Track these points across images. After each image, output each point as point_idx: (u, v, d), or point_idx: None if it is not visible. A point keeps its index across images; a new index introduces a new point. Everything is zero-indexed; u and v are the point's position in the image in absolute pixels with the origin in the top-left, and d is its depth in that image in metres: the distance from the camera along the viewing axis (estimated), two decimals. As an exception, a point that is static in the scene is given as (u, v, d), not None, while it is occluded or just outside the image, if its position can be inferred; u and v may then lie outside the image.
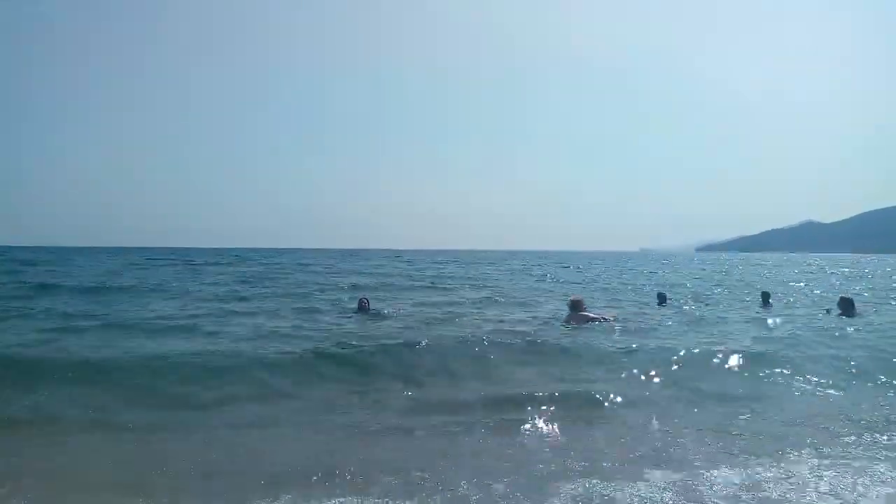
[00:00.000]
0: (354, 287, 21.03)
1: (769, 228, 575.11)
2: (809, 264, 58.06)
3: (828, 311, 13.77)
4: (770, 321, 12.21)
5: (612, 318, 11.71)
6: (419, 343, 8.61)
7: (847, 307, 13.35)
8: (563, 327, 11.35)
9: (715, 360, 8.04)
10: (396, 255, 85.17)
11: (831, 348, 8.99)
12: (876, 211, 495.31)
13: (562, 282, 27.88)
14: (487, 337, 9.32)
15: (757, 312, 14.57)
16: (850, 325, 11.32)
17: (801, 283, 26.79)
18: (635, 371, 7.55)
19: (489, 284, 24.89)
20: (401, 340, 8.96)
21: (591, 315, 11.59)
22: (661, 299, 16.87)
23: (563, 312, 12.42)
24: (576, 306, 11.75)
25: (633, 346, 8.99)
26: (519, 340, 9.42)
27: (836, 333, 10.42)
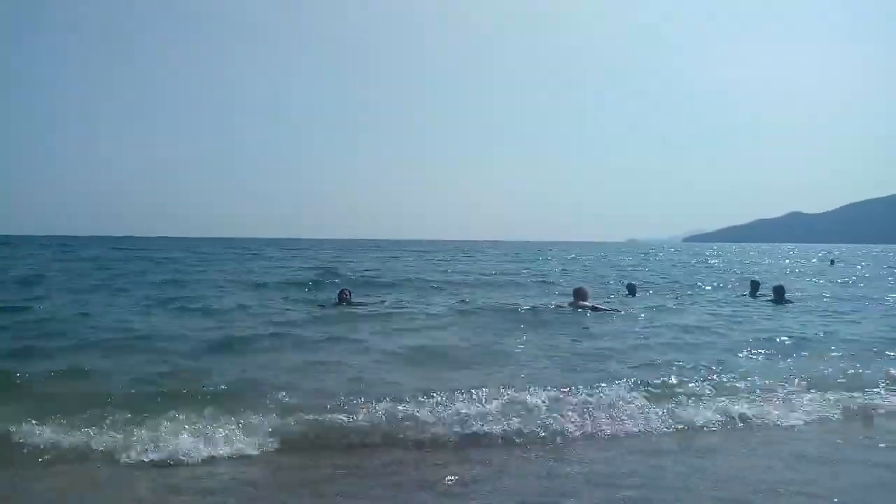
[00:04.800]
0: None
1: (756, 219, 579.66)
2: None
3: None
4: None
5: (610, 311, 12.31)
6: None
7: (779, 294, 14.58)
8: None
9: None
10: (395, 245, 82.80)
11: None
12: (858, 203, 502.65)
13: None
14: None
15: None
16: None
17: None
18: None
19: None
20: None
21: (590, 304, 12.34)
22: (631, 290, 17.03)
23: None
24: (579, 294, 12.59)
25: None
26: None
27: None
